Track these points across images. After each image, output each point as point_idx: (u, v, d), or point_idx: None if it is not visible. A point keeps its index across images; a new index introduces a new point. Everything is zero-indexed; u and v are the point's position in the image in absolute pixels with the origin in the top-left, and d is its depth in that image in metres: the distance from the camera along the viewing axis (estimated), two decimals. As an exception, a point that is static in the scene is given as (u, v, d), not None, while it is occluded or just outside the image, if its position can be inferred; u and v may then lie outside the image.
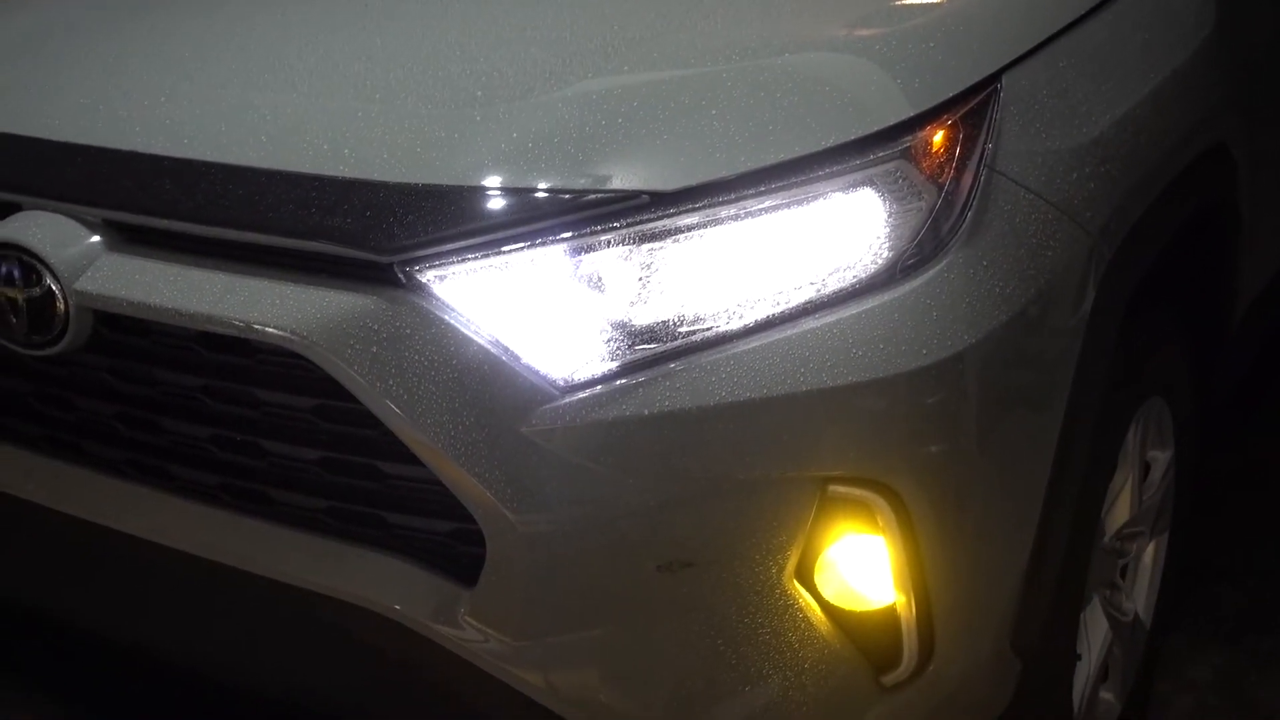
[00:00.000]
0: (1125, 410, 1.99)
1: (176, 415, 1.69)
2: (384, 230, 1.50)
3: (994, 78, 1.67)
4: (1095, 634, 2.14)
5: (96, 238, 1.67)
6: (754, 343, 1.51)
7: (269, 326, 1.52)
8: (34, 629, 2.02)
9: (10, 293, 1.67)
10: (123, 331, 1.68)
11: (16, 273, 1.66)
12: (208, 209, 1.59)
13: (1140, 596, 2.32)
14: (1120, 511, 2.15)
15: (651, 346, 1.51)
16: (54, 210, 1.69)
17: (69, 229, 1.67)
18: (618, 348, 1.51)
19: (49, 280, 1.65)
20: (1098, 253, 1.73)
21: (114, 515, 1.74)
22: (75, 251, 1.66)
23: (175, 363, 1.66)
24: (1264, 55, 2.37)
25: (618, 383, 1.50)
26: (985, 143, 1.63)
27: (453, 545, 1.58)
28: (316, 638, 1.68)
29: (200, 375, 1.64)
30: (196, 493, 1.71)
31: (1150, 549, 2.33)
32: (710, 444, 1.51)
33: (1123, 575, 2.26)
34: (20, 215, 1.70)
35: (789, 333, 1.52)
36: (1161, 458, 2.28)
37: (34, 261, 1.65)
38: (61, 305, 1.65)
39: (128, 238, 1.67)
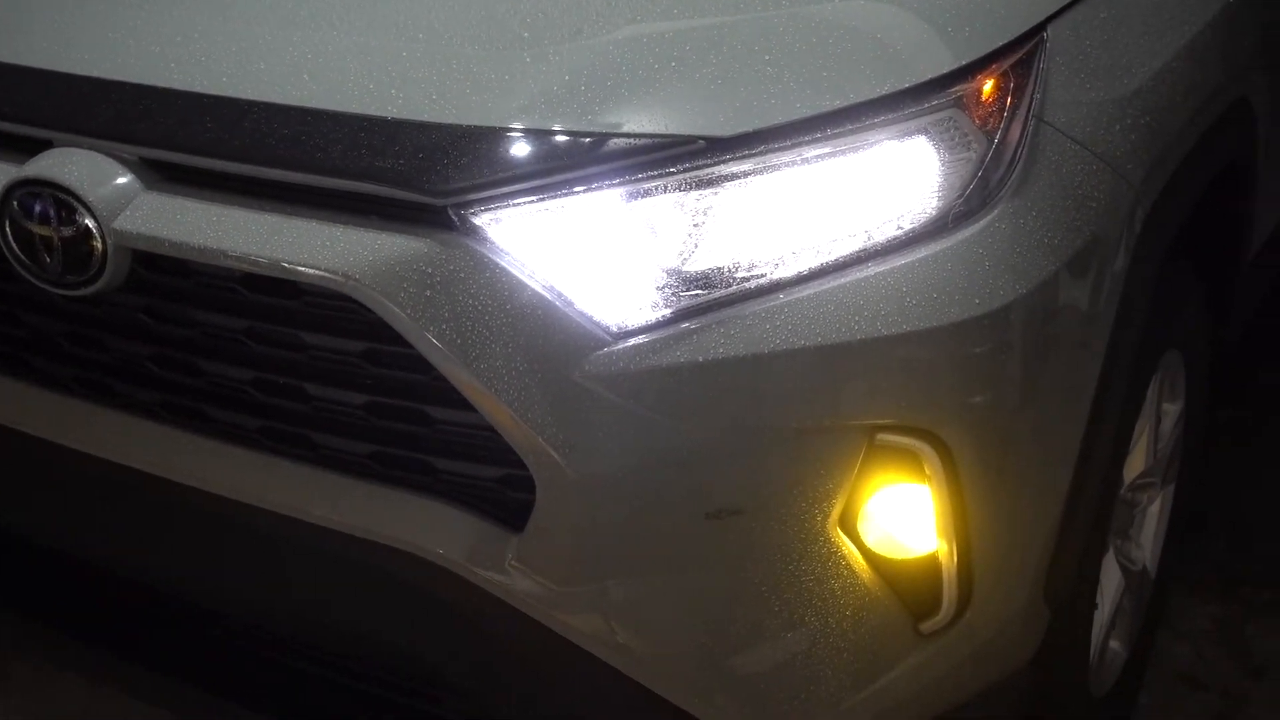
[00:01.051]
0: (1150, 362, 2.01)
1: (216, 357, 1.67)
2: (437, 172, 1.48)
3: (1040, 27, 1.67)
4: (1109, 584, 2.17)
5: (133, 176, 1.64)
6: (807, 291, 1.51)
7: (320, 269, 1.50)
8: (63, 576, 2.00)
9: (44, 231, 1.63)
10: (162, 272, 1.65)
11: (51, 210, 1.63)
12: (253, 148, 1.56)
13: (1147, 547, 2.35)
14: (1136, 462, 2.17)
15: (705, 293, 1.51)
16: (88, 147, 1.65)
17: (105, 166, 1.64)
18: (671, 294, 1.51)
19: (85, 219, 1.61)
20: (1138, 205, 1.74)
21: (147, 458, 1.72)
22: (112, 189, 1.62)
23: (216, 304, 1.63)
24: (1283, 11, 2.38)
25: (671, 329, 1.50)
26: (1033, 92, 1.62)
27: (501, 491, 1.57)
28: (359, 586, 1.67)
29: (243, 317, 1.62)
30: (234, 436, 1.69)
31: (1158, 500, 2.36)
32: (762, 392, 1.51)
33: (1132, 526, 2.29)
34: (53, 152, 1.66)
35: (842, 281, 1.52)
36: (1173, 410, 2.30)
37: (70, 199, 1.62)
38: (99, 244, 1.62)
39: (167, 176, 1.63)
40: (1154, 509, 2.36)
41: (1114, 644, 2.26)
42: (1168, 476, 2.35)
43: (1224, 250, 2.32)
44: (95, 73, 1.69)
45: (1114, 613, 2.21)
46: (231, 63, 1.66)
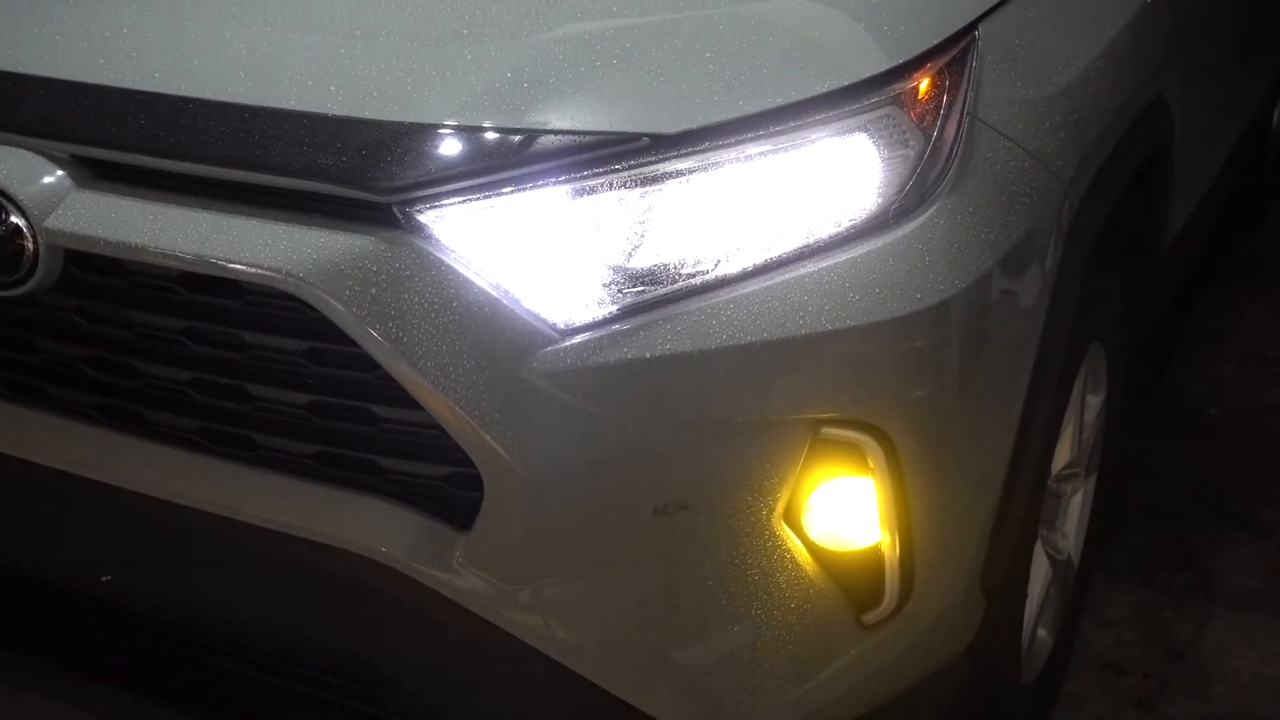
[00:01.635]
0: (1077, 355, 2.05)
1: (153, 358, 1.64)
2: (382, 170, 1.47)
3: (972, 26, 1.70)
4: (1037, 574, 2.21)
5: (64, 174, 1.61)
6: (752, 287, 1.52)
7: (263, 267, 1.48)
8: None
9: (-29, 231, 1.60)
10: (95, 272, 1.62)
11: (-21, 209, 1.59)
12: (191, 146, 1.54)
13: (1072, 536, 2.40)
14: (1062, 453, 2.22)
15: (651, 290, 1.51)
16: (17, 145, 1.62)
17: (34, 164, 1.60)
18: (617, 291, 1.51)
19: (15, 217, 1.58)
20: (1068, 201, 1.78)
21: (82, 461, 1.69)
22: (43, 187, 1.59)
23: (153, 304, 1.61)
24: (1194, 14, 2.45)
25: (617, 326, 1.50)
26: (967, 90, 1.65)
27: (448, 490, 1.56)
28: (305, 587, 1.65)
29: (181, 317, 1.60)
30: (172, 438, 1.66)
31: (1082, 490, 2.41)
32: (708, 387, 1.52)
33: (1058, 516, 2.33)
34: (-21, 150, 1.62)
35: (786, 277, 1.53)
36: (1095, 401, 2.35)
37: (-2, 197, 1.58)
38: (29, 244, 1.59)
39: (100, 174, 1.61)
40: (1078, 499, 2.41)
41: (1042, 632, 2.30)
42: (1090, 467, 2.40)
43: (1142, 245, 2.38)
44: (23, 69, 1.66)
45: (1042, 602, 2.25)
46: (163, 59, 1.63)
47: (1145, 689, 2.46)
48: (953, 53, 1.65)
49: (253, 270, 1.49)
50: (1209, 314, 3.87)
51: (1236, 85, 3.17)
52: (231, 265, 1.50)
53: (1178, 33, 2.30)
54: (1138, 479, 3.03)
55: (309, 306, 1.49)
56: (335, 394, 1.57)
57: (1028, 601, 2.13)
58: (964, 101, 1.65)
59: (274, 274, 1.48)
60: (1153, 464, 3.12)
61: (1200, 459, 3.18)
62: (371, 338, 1.47)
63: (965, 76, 1.66)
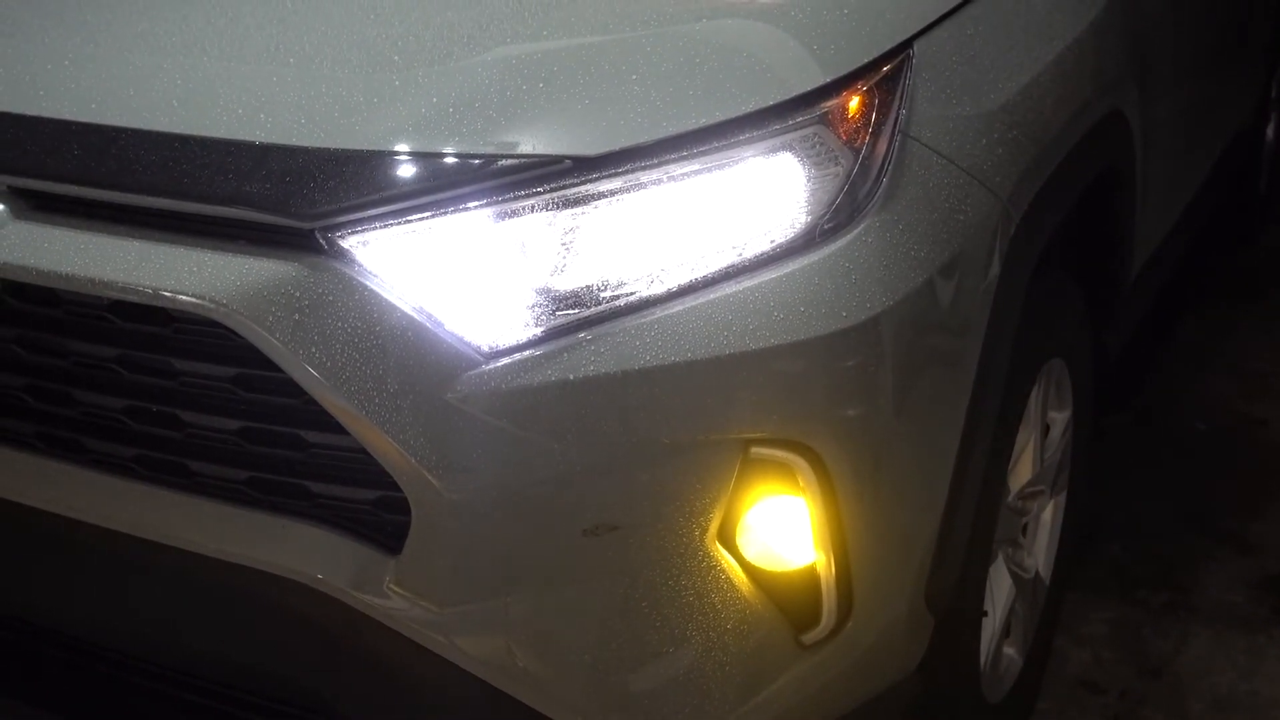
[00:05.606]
0: (1029, 372, 2.04)
1: (89, 387, 1.65)
2: (305, 196, 1.49)
3: (907, 44, 1.70)
4: (1000, 591, 2.20)
5: (2, 205, 1.63)
6: (677, 307, 1.53)
7: (188, 295, 1.49)
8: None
9: (-92, 263, 1.62)
10: (31, 301, 1.64)
11: (-85, 242, 1.61)
12: (120, 175, 1.56)
13: (1040, 554, 2.39)
14: (1023, 471, 2.21)
15: (575, 311, 1.52)
16: (-47, 177, 1.64)
17: (-30, 197, 1.62)
18: (542, 313, 1.51)
19: (-50, 249, 1.60)
20: (1007, 217, 1.77)
21: (23, 490, 1.70)
22: (-20, 219, 1.61)
23: (87, 333, 1.62)
24: (1155, 25, 2.44)
25: (542, 348, 1.50)
26: (899, 108, 1.65)
27: (377, 514, 1.57)
28: (240, 612, 1.66)
29: (114, 345, 1.61)
30: (110, 466, 1.68)
31: (1050, 507, 2.40)
32: (635, 408, 1.52)
33: (1024, 533, 2.32)
34: (-83, 183, 1.64)
35: (711, 297, 1.53)
36: (1060, 418, 2.34)
37: (-66, 230, 1.60)
38: (-36, 275, 1.61)
39: (35, 205, 1.63)
40: (1046, 517, 2.39)
41: (1009, 650, 2.28)
42: (1058, 484, 2.39)
43: (1104, 260, 2.37)
44: (-39, 102, 1.68)
45: (1006, 619, 2.24)
46: (101, 90, 1.65)
47: (1120, 707, 2.44)
48: (884, 71, 1.65)
49: (179, 297, 1.50)
50: (1199, 329, 3.85)
51: (1215, 98, 3.16)
52: (159, 293, 1.51)
53: (1136, 45, 2.29)
54: (1123, 494, 3.01)
55: (234, 333, 1.50)
56: (264, 420, 1.57)
57: (988, 620, 2.12)
58: (896, 119, 1.65)
59: (199, 301, 1.49)
60: (1139, 479, 3.10)
61: (1187, 474, 3.16)
62: (295, 363, 1.48)
63: (898, 95, 1.66)
